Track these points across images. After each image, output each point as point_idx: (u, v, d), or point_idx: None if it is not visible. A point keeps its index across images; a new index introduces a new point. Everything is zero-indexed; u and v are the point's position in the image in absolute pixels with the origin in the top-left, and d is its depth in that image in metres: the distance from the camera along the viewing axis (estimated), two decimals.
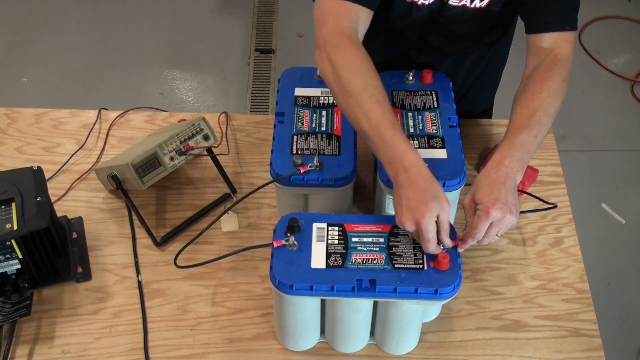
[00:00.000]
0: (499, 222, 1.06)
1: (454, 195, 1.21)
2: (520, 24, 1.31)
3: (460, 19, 1.29)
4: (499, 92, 1.61)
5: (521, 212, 1.13)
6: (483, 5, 1.25)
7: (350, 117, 1.11)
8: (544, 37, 1.22)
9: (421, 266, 1.02)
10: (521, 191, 1.36)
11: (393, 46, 1.41)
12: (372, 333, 1.16)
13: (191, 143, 1.29)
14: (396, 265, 1.02)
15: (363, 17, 1.19)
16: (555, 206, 1.32)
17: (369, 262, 1.03)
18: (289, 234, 1.06)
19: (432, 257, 1.03)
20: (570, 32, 1.22)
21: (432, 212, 1.01)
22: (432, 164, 1.17)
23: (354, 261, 1.03)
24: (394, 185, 1.05)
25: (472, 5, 1.25)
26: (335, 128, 1.26)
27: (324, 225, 1.08)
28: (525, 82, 1.20)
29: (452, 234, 1.06)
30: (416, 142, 1.22)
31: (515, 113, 1.17)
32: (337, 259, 1.03)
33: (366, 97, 1.08)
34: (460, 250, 1.08)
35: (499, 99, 1.64)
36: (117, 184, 1.28)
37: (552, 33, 1.22)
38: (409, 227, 1.02)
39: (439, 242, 1.03)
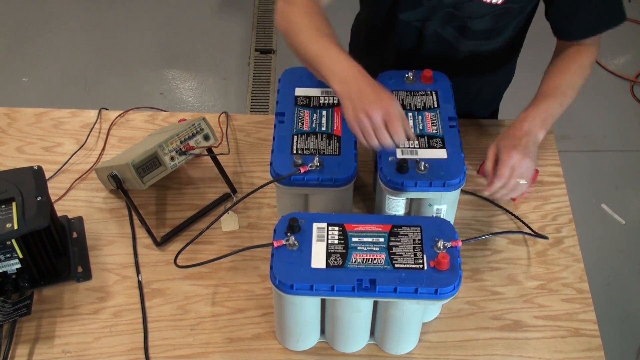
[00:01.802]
0: (519, 164, 1.13)
1: (454, 195, 1.21)
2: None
3: (476, 14, 1.30)
4: (507, 95, 1.61)
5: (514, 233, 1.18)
6: (499, 2, 1.26)
7: (298, 53, 1.16)
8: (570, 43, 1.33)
9: (421, 266, 1.03)
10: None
11: (406, 38, 1.41)
12: (372, 333, 1.16)
13: (191, 143, 1.29)
14: (396, 265, 1.02)
15: None
16: (546, 237, 1.31)
17: (369, 262, 1.03)
18: (289, 234, 1.06)
19: (433, 257, 1.03)
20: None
21: (386, 102, 1.06)
22: (432, 164, 1.18)
23: (354, 261, 1.03)
24: (342, 92, 1.08)
25: (488, 1, 1.26)
26: (335, 128, 1.26)
27: (324, 225, 1.08)
28: (554, 60, 1.32)
29: (453, 233, 1.06)
30: (416, 142, 1.22)
31: (543, 85, 1.27)
32: (337, 259, 1.03)
33: (313, 30, 1.15)
34: (486, 193, 1.16)
35: (505, 103, 1.63)
36: (117, 184, 1.28)
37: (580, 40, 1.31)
38: (363, 120, 1.05)
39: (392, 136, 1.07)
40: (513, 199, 1.37)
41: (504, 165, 1.13)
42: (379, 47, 1.41)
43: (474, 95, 1.51)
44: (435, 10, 1.31)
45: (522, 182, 1.14)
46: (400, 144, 1.11)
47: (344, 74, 1.09)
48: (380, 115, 1.05)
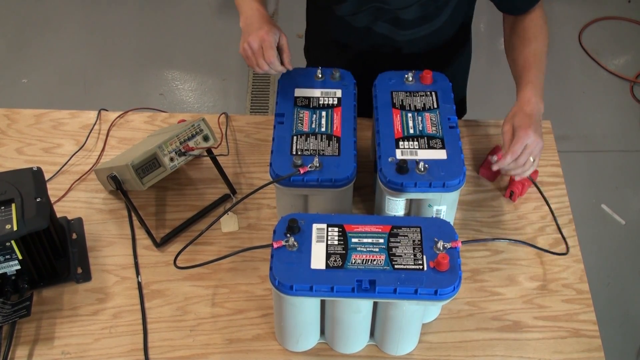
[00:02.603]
0: (533, 144, 1.21)
1: (453, 196, 1.21)
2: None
3: (402, 4, 1.32)
4: (473, 85, 1.61)
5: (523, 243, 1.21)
6: None
7: None
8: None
9: (421, 267, 1.02)
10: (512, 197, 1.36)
11: (345, 36, 1.44)
12: (372, 334, 1.16)
13: (191, 144, 1.29)
14: (396, 266, 1.02)
15: None
16: (565, 253, 1.31)
17: (369, 263, 1.03)
18: (288, 235, 1.06)
19: (432, 258, 1.03)
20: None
21: (261, 32, 1.25)
22: (432, 164, 1.18)
23: (353, 262, 1.03)
24: (242, 28, 1.29)
25: None
26: (335, 129, 1.26)
27: (324, 226, 1.08)
28: (515, 32, 1.37)
29: (453, 234, 1.06)
30: (416, 142, 1.22)
31: (518, 58, 1.33)
32: (337, 260, 1.03)
33: None
34: (495, 167, 1.23)
35: (473, 91, 1.64)
36: (116, 185, 1.28)
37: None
38: (246, 48, 1.25)
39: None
40: (513, 199, 1.37)
41: (520, 141, 1.21)
42: (321, 40, 1.51)
43: None
44: (361, 4, 1.34)
45: (532, 159, 1.23)
46: (275, 69, 1.27)
47: (249, 14, 1.31)
48: (257, 43, 1.25)
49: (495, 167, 1.24)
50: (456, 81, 1.57)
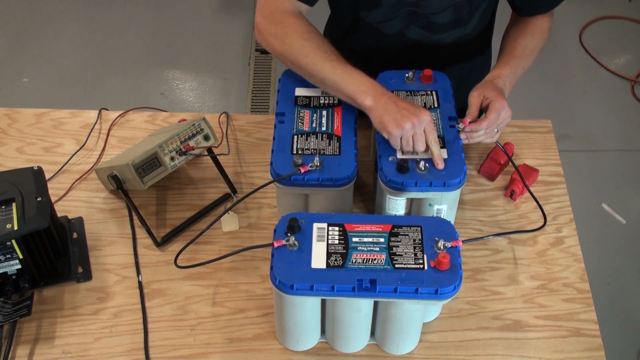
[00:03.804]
0: (506, 115, 1.23)
1: (454, 195, 1.21)
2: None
3: (438, 7, 1.32)
4: None
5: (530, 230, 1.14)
6: None
7: (309, 74, 1.26)
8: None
9: (421, 266, 1.02)
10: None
11: (372, 43, 1.43)
12: (372, 333, 1.16)
13: (191, 143, 1.29)
14: (397, 265, 1.02)
15: (302, 10, 1.30)
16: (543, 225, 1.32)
17: (370, 262, 1.03)
18: (289, 234, 1.06)
19: (433, 257, 1.03)
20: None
21: (424, 114, 1.17)
22: (432, 164, 1.18)
23: (354, 261, 1.03)
24: (374, 108, 1.19)
25: None
26: (335, 128, 1.26)
27: (325, 225, 1.08)
28: (517, 22, 1.38)
29: (453, 233, 1.06)
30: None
31: (509, 43, 1.35)
32: (338, 259, 1.03)
33: (322, 53, 1.24)
34: (468, 129, 1.22)
35: None
36: (117, 184, 1.28)
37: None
38: (407, 130, 1.16)
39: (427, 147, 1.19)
40: (514, 199, 1.37)
41: (497, 111, 1.22)
42: (343, 50, 1.44)
43: (456, 88, 1.52)
44: (395, 10, 1.33)
45: (496, 130, 1.25)
46: (437, 153, 1.18)
47: (374, 92, 1.20)
48: (422, 126, 1.17)
49: (463, 136, 1.23)
50: (475, 83, 1.57)
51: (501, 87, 1.27)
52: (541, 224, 1.31)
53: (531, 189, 1.38)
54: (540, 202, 1.32)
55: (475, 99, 1.24)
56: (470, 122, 1.23)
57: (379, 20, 1.37)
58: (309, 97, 1.31)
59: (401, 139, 1.18)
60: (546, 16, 1.37)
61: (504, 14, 1.46)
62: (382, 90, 1.21)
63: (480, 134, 1.23)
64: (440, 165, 1.17)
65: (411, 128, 1.16)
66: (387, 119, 1.17)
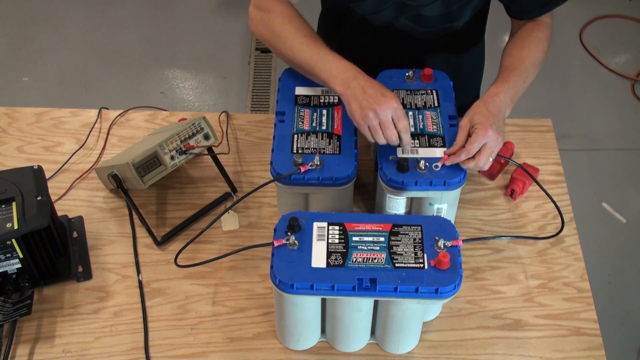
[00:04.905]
0: (493, 143, 1.16)
1: (454, 194, 1.21)
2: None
3: (427, 0, 1.31)
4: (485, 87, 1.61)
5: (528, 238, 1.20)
6: None
7: (288, 59, 1.24)
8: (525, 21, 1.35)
9: (422, 265, 1.02)
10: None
11: (361, 35, 1.42)
12: (372, 332, 1.16)
13: (192, 142, 1.29)
14: (397, 265, 1.02)
15: None
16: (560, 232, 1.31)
17: (370, 261, 1.03)
18: (289, 233, 1.06)
19: (433, 256, 1.03)
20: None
21: (389, 101, 1.13)
22: (432, 163, 1.18)
23: (354, 260, 1.03)
24: (344, 94, 1.16)
25: None
26: (335, 127, 1.26)
27: (325, 224, 1.08)
28: (514, 37, 1.34)
29: (453, 233, 1.06)
30: (417, 141, 1.22)
31: (506, 59, 1.30)
32: (338, 258, 1.03)
33: (300, 37, 1.22)
34: (448, 163, 1.16)
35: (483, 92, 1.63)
36: (117, 183, 1.28)
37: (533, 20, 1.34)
38: (372, 118, 1.12)
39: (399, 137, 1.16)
40: (514, 198, 1.37)
41: (477, 141, 1.15)
42: (335, 43, 1.44)
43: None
44: (384, 1, 1.33)
45: (491, 158, 1.19)
46: (407, 141, 1.17)
47: (345, 76, 1.17)
48: (389, 113, 1.14)
49: (448, 163, 1.17)
50: (469, 81, 1.57)
51: (498, 105, 1.20)
52: (543, 223, 1.31)
53: (531, 188, 1.38)
54: (541, 202, 1.32)
55: (463, 127, 1.19)
56: (449, 155, 1.17)
57: (368, 11, 1.37)
58: (309, 96, 1.31)
59: (370, 130, 1.15)
60: (543, 26, 1.33)
61: (503, 13, 1.45)
62: (354, 73, 1.17)
63: (465, 163, 1.17)
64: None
65: (375, 117, 1.13)
66: (354, 106, 1.15)
